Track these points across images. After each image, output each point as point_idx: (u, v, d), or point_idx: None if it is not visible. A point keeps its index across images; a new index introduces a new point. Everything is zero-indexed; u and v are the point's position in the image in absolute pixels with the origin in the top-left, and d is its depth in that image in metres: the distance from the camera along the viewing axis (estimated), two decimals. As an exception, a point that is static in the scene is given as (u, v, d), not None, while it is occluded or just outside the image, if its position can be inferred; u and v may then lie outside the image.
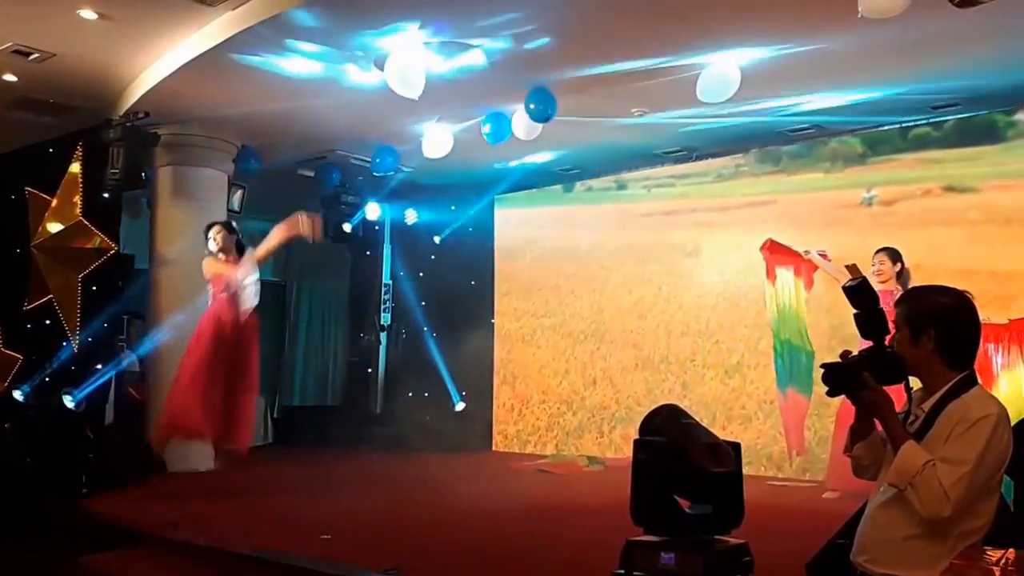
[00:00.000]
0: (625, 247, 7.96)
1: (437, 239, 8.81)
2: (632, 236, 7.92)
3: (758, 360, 6.91)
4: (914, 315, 2.05)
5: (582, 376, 8.03)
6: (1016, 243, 5.81)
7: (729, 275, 7.24)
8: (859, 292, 2.06)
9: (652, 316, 7.69)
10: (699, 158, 7.41)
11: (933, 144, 6.29)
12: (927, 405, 2.04)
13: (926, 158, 6.34)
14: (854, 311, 2.10)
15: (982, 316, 2.16)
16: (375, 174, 7.27)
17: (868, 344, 2.07)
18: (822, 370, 2.02)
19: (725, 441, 2.29)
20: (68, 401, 6.03)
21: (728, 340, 7.13)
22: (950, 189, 6.17)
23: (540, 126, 6.02)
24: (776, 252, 6.18)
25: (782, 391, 6.46)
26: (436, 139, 6.56)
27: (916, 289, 2.30)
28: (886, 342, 2.07)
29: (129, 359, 7.11)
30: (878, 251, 5.47)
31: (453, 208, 8.84)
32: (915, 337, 2.04)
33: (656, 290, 7.71)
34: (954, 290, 2.12)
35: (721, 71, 5.38)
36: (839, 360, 2.03)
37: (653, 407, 2.34)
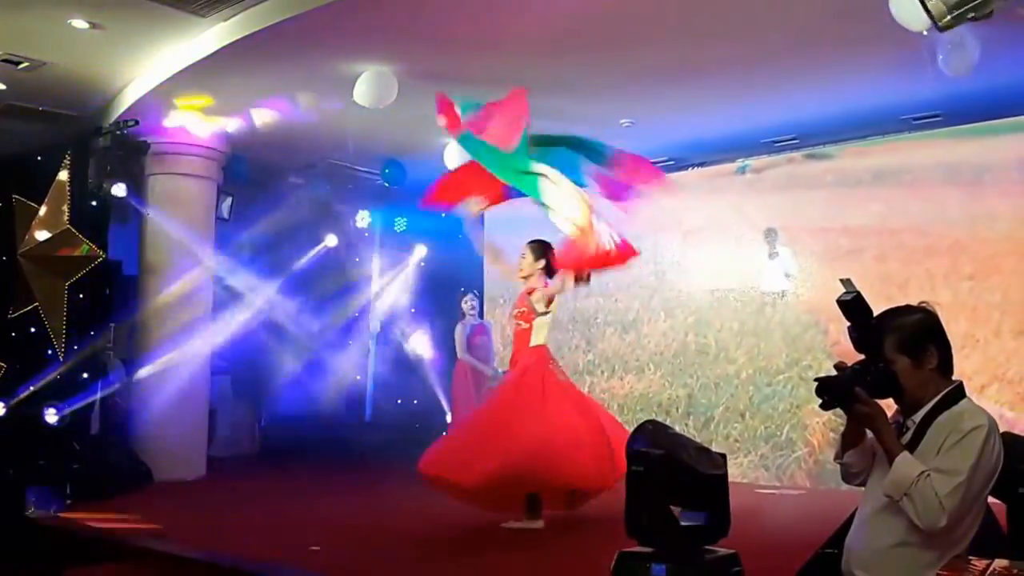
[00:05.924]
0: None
1: (425, 248, 8.86)
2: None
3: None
4: (907, 340, 2.03)
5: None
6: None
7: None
8: (853, 306, 2.06)
9: (561, 278, 8.21)
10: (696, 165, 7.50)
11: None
12: (918, 416, 2.05)
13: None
14: (848, 325, 2.09)
15: None
16: (386, 185, 7.29)
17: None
18: (815, 383, 2.03)
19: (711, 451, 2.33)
20: (51, 416, 5.95)
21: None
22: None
23: None
24: None
25: None
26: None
27: (883, 318, 2.08)
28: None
29: (116, 368, 7.05)
30: (529, 243, 5.25)
31: (444, 215, 8.84)
32: (918, 361, 2.03)
33: (565, 253, 8.22)
34: (911, 305, 2.11)
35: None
36: (834, 373, 2.04)
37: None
